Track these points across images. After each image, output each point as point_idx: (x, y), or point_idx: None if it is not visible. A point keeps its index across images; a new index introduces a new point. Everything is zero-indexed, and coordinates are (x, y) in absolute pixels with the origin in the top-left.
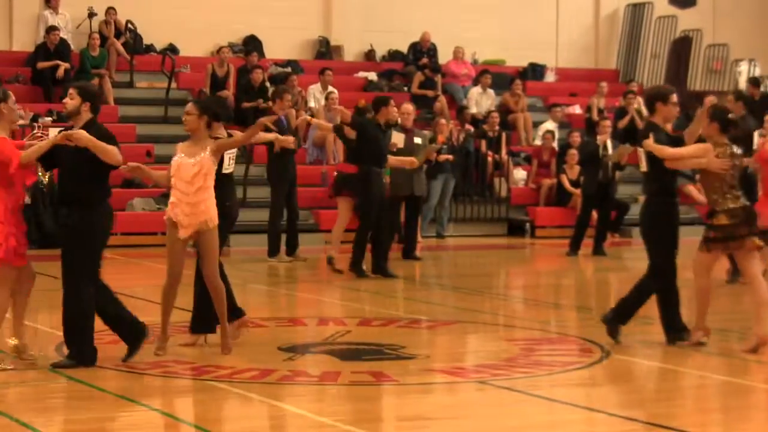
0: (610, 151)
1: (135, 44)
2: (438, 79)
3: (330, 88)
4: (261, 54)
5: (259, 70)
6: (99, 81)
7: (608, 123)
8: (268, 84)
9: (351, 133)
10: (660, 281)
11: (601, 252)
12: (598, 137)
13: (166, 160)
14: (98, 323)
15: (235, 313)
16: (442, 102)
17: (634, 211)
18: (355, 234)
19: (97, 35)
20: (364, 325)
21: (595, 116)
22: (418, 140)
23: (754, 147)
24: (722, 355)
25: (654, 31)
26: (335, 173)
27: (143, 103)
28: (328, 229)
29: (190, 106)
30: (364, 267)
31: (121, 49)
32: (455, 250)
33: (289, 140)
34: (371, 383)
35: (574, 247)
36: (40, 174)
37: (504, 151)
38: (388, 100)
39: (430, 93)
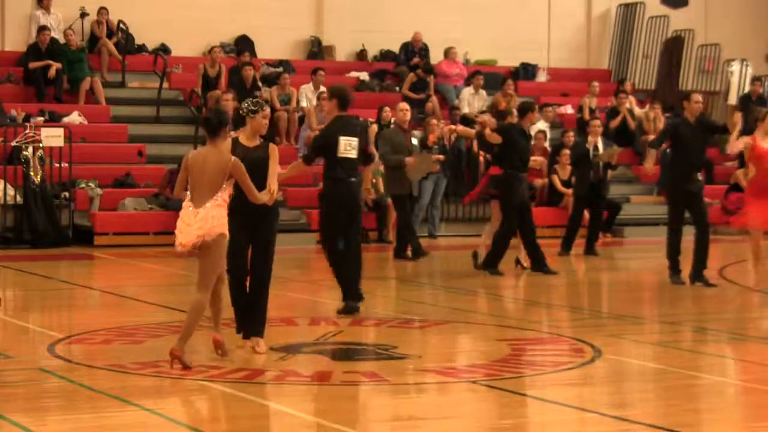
0: (601, 151)
1: (127, 44)
2: (430, 79)
3: (322, 88)
4: (253, 54)
5: (249, 67)
6: (90, 80)
7: (598, 123)
8: (260, 83)
9: (496, 138)
10: None
11: (593, 252)
12: (589, 137)
13: (157, 160)
14: (92, 325)
15: None
16: (433, 102)
17: (626, 211)
18: (498, 234)
19: (71, 31)
20: (356, 325)
21: (586, 116)
22: (413, 141)
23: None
24: (714, 354)
25: (646, 31)
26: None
27: (135, 103)
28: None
29: None
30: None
31: (113, 49)
32: (447, 250)
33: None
34: (363, 383)
35: (566, 247)
36: (32, 173)
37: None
38: (533, 105)
39: (421, 95)
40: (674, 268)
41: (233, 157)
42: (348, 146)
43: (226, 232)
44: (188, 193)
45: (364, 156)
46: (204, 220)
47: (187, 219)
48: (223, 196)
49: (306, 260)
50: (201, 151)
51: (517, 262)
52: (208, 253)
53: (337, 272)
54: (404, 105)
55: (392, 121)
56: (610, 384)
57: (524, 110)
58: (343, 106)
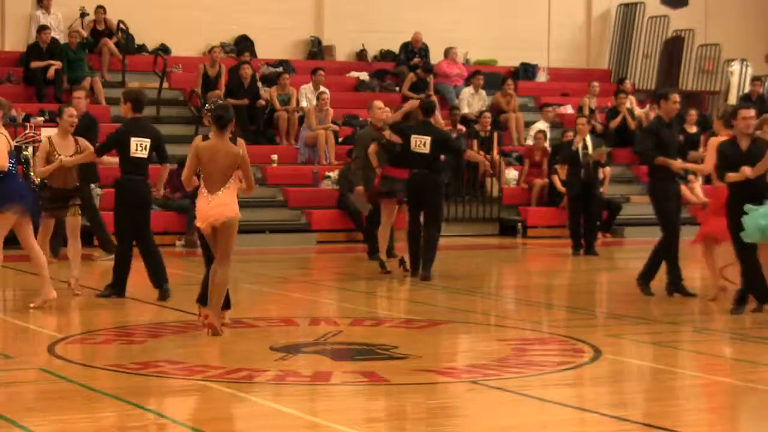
0: (590, 149)
1: (127, 44)
2: (430, 79)
3: (321, 88)
4: (253, 54)
5: (247, 65)
6: (90, 79)
7: (584, 121)
8: (260, 84)
9: (397, 140)
10: None
11: (593, 252)
12: (576, 136)
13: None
14: (92, 325)
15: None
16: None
17: (626, 211)
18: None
19: (77, 33)
20: (356, 325)
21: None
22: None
23: None
24: (714, 354)
25: (646, 31)
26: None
27: None
28: (320, 229)
29: None
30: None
31: (114, 48)
32: (447, 250)
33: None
34: (363, 383)
35: (576, 247)
36: (32, 173)
37: (496, 151)
38: (434, 104)
39: (421, 96)
40: (649, 277)
41: (241, 150)
42: (139, 146)
43: (239, 214)
44: (200, 181)
45: (160, 156)
46: (218, 206)
47: (203, 205)
48: (234, 183)
49: (306, 260)
50: (210, 143)
51: (401, 262)
52: (224, 233)
53: (121, 268)
54: (380, 103)
55: (369, 121)
56: (610, 384)
57: (427, 109)
58: (137, 109)
